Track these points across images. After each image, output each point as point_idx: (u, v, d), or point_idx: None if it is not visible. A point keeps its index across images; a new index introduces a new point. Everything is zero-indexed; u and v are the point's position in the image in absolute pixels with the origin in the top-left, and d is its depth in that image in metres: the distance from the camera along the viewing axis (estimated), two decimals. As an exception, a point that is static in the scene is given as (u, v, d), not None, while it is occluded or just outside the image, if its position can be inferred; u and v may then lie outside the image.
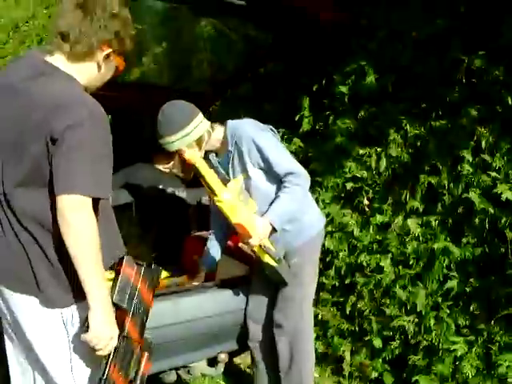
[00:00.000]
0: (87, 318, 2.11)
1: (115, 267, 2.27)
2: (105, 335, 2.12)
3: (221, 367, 3.87)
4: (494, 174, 3.59)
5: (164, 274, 4.24)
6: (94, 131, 2.07)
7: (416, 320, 3.89)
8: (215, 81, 4.62)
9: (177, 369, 3.70)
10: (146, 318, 2.30)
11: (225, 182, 3.30)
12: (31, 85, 2.13)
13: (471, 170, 3.68)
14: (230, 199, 3.22)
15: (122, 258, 2.27)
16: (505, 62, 3.62)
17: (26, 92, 2.12)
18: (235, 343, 3.91)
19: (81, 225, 2.04)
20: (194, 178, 4.73)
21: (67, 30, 2.15)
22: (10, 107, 2.15)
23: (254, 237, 3.13)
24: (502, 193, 3.51)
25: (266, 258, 3.23)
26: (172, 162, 4.68)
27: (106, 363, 2.15)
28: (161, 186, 4.31)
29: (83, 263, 2.06)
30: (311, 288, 3.55)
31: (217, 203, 3.28)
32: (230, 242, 4.25)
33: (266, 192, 3.26)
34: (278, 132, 4.63)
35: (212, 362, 3.88)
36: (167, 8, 4.17)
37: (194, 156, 3.29)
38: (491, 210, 3.58)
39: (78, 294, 2.13)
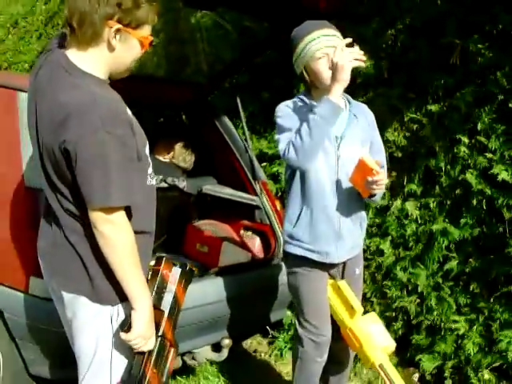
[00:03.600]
0: (127, 318, 2.17)
1: (153, 266, 2.30)
2: (147, 335, 2.17)
3: (225, 352, 3.89)
4: (490, 155, 3.63)
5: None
6: (109, 137, 2.01)
7: (417, 300, 3.95)
8: (213, 71, 4.65)
9: (182, 355, 3.73)
10: (178, 317, 2.35)
11: None
12: (50, 89, 2.10)
13: (468, 152, 3.73)
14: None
15: (161, 257, 2.31)
16: (499, 44, 3.65)
17: (47, 95, 2.09)
18: (238, 329, 3.97)
19: (113, 236, 2.07)
20: (194, 168, 4.82)
21: (70, 16, 2.07)
22: (42, 108, 2.12)
23: None
24: (498, 174, 3.56)
25: None
26: (172, 152, 4.76)
27: (143, 361, 2.19)
28: (161, 177, 4.34)
29: (121, 271, 2.11)
30: None
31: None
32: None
33: None
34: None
35: (216, 348, 3.91)
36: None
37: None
38: (488, 191, 3.62)
39: (123, 291, 2.16)
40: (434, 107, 3.88)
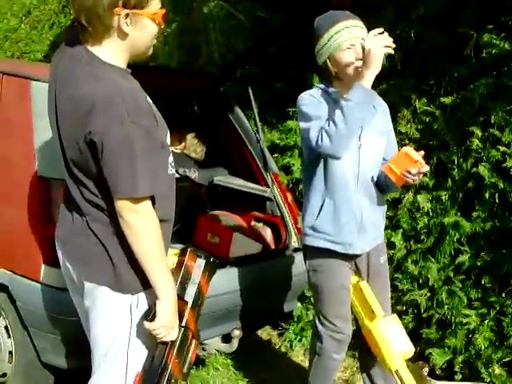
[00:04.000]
0: (151, 307, 2.17)
1: (179, 257, 2.32)
2: (170, 325, 2.17)
3: (235, 343, 3.89)
4: (503, 148, 3.60)
5: (176, 251, 4.30)
6: (135, 128, 2.02)
7: (428, 294, 3.94)
8: (225, 61, 4.64)
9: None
10: (201, 309, 2.37)
11: None
12: (72, 80, 2.10)
13: (480, 145, 3.70)
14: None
15: (186, 248, 2.33)
16: (513, 35, 3.63)
17: (70, 86, 2.10)
18: (248, 320, 3.98)
19: (139, 225, 2.08)
20: (205, 159, 4.81)
21: (77, 15, 2.08)
22: (63, 98, 2.13)
23: None
24: (511, 167, 3.53)
25: None
26: (183, 143, 4.76)
27: (165, 351, 2.20)
28: (173, 167, 4.34)
29: (147, 260, 2.12)
30: None
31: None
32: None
33: None
34: (288, 111, 4.69)
35: (226, 339, 3.92)
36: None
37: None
38: (501, 185, 3.60)
39: (146, 280, 2.17)
40: (447, 99, 3.86)
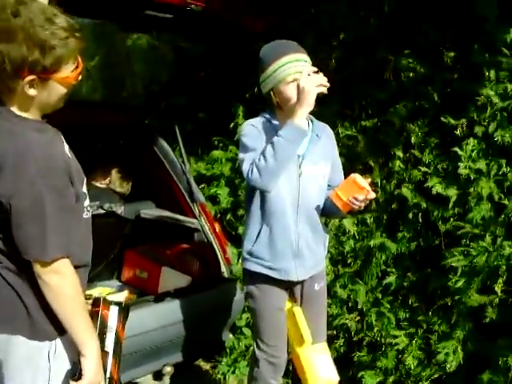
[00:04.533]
0: (76, 365, 2.08)
1: (92, 308, 2.24)
2: (97, 381, 2.09)
3: (166, 381, 3.84)
4: (424, 168, 3.68)
5: (107, 290, 4.21)
6: (45, 189, 1.94)
7: (358, 317, 3.94)
8: (149, 93, 4.63)
9: (122, 385, 3.65)
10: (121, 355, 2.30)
11: None
12: None
13: (402, 166, 3.78)
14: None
15: (98, 299, 2.26)
16: (429, 59, 3.72)
17: None
18: (180, 355, 3.91)
19: (57, 285, 2.00)
20: (131, 192, 4.75)
21: None
22: None
23: None
24: (432, 187, 3.60)
25: None
26: (108, 178, 4.70)
27: None
28: (98, 203, 4.27)
29: (69, 318, 2.04)
30: None
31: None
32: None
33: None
34: (214, 141, 4.69)
35: (158, 376, 3.85)
36: (96, 23, 4.16)
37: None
38: (424, 204, 3.66)
39: (62, 325, 2.07)
40: (368, 123, 3.93)
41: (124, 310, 2.33)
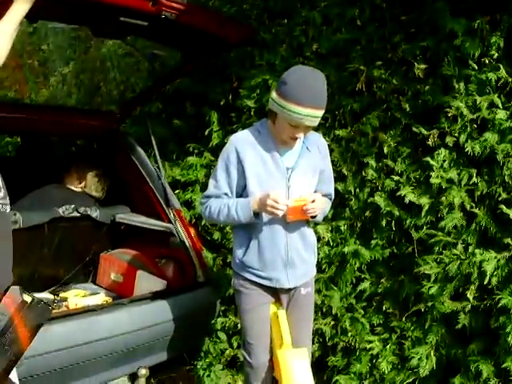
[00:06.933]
0: None
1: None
2: None
3: (142, 382, 3.84)
4: (396, 177, 3.75)
5: (82, 292, 4.22)
6: None
7: (332, 322, 4.00)
8: (125, 99, 4.64)
9: (97, 387, 3.67)
10: (17, 359, 2.13)
11: None
12: None
13: (375, 175, 3.84)
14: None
15: (14, 289, 2.16)
16: (400, 71, 3.80)
17: None
18: (155, 358, 3.95)
19: None
20: (106, 197, 4.77)
21: None
22: None
23: None
24: (405, 195, 3.67)
25: None
26: (84, 182, 4.71)
27: None
28: (73, 206, 4.28)
29: None
30: None
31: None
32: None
33: None
34: (188, 147, 4.71)
35: (133, 378, 3.86)
36: (72, 28, 4.17)
37: None
38: (396, 213, 3.74)
39: None
40: (342, 132, 3.98)
41: (35, 309, 2.15)
